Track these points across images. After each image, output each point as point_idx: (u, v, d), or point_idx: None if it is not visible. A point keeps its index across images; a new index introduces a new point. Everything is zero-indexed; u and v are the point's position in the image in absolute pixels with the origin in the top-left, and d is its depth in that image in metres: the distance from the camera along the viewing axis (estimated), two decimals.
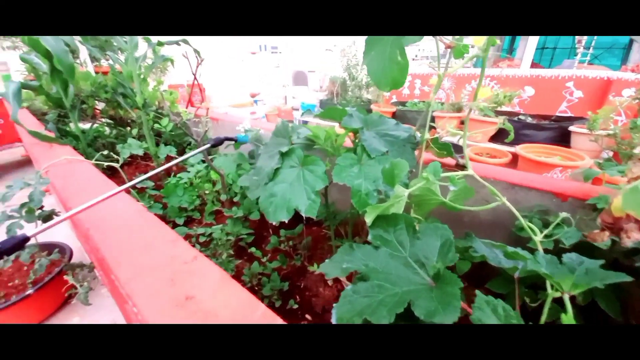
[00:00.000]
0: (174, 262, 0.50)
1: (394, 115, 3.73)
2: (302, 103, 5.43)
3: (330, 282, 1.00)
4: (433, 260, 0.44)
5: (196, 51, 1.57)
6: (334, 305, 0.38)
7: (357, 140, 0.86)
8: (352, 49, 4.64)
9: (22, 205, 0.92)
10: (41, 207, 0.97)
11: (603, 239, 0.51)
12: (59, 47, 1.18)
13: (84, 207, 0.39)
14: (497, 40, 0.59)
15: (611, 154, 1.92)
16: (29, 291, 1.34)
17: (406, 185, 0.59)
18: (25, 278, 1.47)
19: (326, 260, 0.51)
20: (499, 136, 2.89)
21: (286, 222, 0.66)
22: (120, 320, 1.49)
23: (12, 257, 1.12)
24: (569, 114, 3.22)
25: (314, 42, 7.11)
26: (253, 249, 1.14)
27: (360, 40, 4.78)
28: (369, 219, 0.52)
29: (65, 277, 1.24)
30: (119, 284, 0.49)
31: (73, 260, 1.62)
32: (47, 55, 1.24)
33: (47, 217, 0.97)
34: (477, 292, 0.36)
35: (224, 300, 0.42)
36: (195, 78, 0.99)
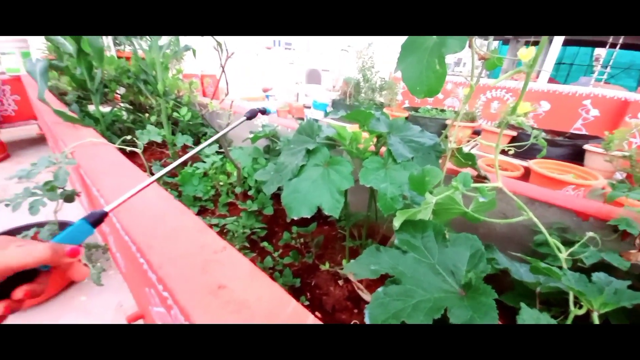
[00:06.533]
0: (204, 251, 0.51)
1: (406, 120, 3.72)
2: (314, 101, 5.44)
3: (340, 282, 1.01)
4: (462, 269, 0.44)
5: (219, 43, 1.58)
6: (366, 306, 0.39)
7: (379, 144, 0.87)
8: (369, 51, 4.62)
9: (46, 184, 0.94)
10: (63, 187, 0.98)
11: (637, 259, 0.51)
12: None
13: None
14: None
15: (624, 175, 1.90)
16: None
17: (430, 193, 0.59)
18: None
19: (351, 261, 0.52)
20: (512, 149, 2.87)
21: (308, 217, 0.67)
22: (126, 301, 1.51)
23: (31, 233, 1.14)
24: (584, 132, 3.19)
25: (329, 41, 7.10)
26: (265, 244, 1.15)
27: (376, 43, 4.75)
28: (397, 223, 0.52)
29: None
30: (149, 267, 0.50)
31: (85, 242, 1.63)
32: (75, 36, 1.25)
33: (68, 196, 0.99)
34: (522, 304, 0.36)
35: (256, 293, 0.42)
36: (223, 70, 1.00)
